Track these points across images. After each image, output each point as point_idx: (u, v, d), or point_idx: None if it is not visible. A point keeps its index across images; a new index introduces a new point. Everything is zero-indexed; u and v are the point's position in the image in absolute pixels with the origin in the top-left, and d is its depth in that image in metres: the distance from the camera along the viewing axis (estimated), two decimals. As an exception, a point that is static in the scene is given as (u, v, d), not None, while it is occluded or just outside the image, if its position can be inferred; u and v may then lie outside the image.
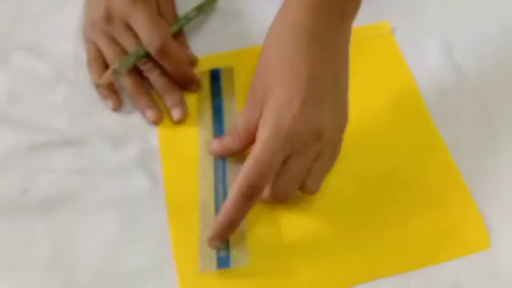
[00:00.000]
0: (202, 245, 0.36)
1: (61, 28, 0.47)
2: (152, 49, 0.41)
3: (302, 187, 0.36)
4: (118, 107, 0.42)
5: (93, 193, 0.39)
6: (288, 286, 0.35)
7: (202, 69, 0.45)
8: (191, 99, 0.43)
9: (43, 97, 0.44)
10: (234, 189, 0.34)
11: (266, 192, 0.35)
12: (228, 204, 0.34)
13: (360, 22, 0.41)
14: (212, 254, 0.35)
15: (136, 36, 0.42)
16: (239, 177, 0.34)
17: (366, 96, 0.43)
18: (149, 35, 0.41)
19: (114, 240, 0.37)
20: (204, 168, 0.39)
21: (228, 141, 0.39)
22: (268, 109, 0.34)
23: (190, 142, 0.41)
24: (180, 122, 0.42)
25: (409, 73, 0.45)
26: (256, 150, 0.34)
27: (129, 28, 0.42)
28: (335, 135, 0.37)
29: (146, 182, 0.39)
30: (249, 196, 0.33)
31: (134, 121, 0.42)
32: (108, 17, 0.42)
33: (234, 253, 0.35)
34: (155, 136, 0.42)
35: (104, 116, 0.43)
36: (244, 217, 0.35)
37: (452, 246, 0.37)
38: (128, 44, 0.42)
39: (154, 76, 0.43)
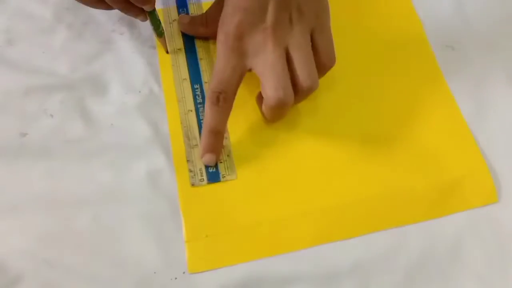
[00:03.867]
0: (192, 164, 0.37)
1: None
2: None
3: (294, 86, 0.36)
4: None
5: (94, 138, 0.38)
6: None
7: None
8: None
9: (41, 39, 0.43)
10: (206, 100, 0.37)
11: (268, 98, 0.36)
12: (205, 114, 0.37)
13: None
14: (202, 171, 0.37)
15: None
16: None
17: (374, 44, 0.43)
18: None
19: (113, 184, 0.37)
20: (182, 93, 0.40)
21: (198, 23, 0.42)
22: (220, 20, 0.37)
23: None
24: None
25: (420, 24, 0.44)
26: (215, 64, 0.37)
27: None
28: (293, 21, 0.36)
29: (147, 127, 0.39)
30: (215, 101, 0.36)
31: (136, 69, 0.42)
32: None
33: (223, 168, 0.37)
34: (157, 83, 0.41)
35: (104, 62, 0.42)
36: (222, 123, 0.37)
37: (460, 199, 0.37)
38: None
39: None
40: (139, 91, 0.40)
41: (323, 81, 0.38)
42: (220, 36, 0.37)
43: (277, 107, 0.36)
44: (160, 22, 0.40)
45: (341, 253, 0.35)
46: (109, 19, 0.44)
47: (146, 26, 0.43)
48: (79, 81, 0.41)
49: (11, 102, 0.40)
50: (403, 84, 0.41)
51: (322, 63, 0.38)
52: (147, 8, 0.39)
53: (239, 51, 0.36)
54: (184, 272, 0.34)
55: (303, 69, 0.36)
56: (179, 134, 0.39)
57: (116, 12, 0.40)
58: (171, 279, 0.34)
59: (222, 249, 0.35)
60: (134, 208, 0.36)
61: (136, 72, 0.41)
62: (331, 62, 0.38)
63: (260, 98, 0.38)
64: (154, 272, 0.34)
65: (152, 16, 0.40)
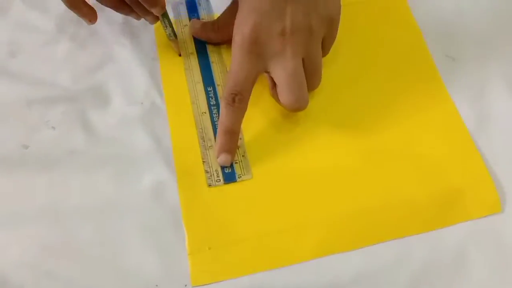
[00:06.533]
0: (207, 165, 0.38)
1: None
2: None
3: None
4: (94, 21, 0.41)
5: (95, 149, 0.38)
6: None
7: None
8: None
9: (43, 51, 0.43)
10: (221, 101, 0.38)
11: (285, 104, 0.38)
12: (220, 114, 0.37)
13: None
14: (218, 171, 0.37)
15: None
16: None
17: (374, 52, 0.43)
18: None
19: (115, 196, 0.36)
20: (196, 95, 0.41)
21: (209, 29, 0.42)
22: (235, 21, 0.37)
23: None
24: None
25: (421, 34, 0.44)
26: (230, 66, 0.37)
27: None
28: (312, 29, 0.36)
29: (149, 139, 0.39)
30: (231, 102, 0.36)
31: (138, 80, 0.42)
32: None
33: (238, 168, 0.37)
34: (160, 94, 0.41)
35: (106, 73, 0.42)
36: (237, 123, 0.37)
37: (463, 209, 0.36)
38: None
39: None
40: (141, 103, 0.40)
41: (327, 91, 0.40)
42: (236, 38, 0.36)
43: (294, 111, 0.38)
44: (171, 24, 0.41)
45: (343, 265, 0.35)
46: (111, 31, 0.44)
47: (147, 37, 0.43)
48: (81, 93, 0.41)
49: (13, 113, 0.40)
50: (405, 95, 0.41)
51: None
52: (156, 12, 0.39)
53: (255, 53, 0.36)
54: (186, 285, 0.34)
55: (312, 80, 0.38)
56: (181, 145, 0.39)
57: (118, 24, 0.41)
58: (174, 292, 0.34)
59: (225, 261, 0.35)
60: (136, 219, 0.36)
61: (138, 84, 0.41)
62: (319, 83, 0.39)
63: (275, 92, 0.38)
64: (156, 285, 0.34)
65: (163, 18, 0.40)
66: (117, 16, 0.43)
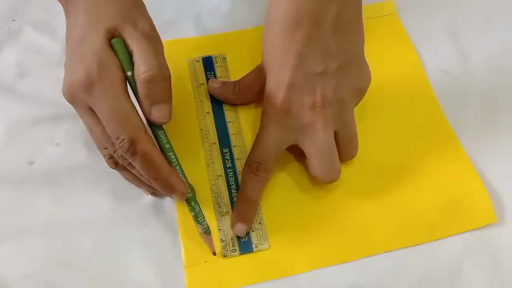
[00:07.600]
0: (223, 233, 0.36)
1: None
2: (119, 149, 0.32)
3: (340, 158, 0.37)
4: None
5: (98, 165, 0.39)
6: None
7: (193, 56, 0.44)
8: (185, 90, 0.43)
9: (50, 72, 0.44)
10: (243, 168, 0.37)
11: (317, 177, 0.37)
12: (241, 182, 0.37)
13: (365, 2, 0.41)
14: (234, 240, 0.36)
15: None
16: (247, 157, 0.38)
17: (372, 75, 0.43)
18: (112, 131, 0.32)
19: (115, 210, 0.37)
20: (211, 157, 0.39)
21: (229, 90, 0.41)
22: (264, 92, 0.37)
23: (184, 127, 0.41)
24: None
25: (415, 53, 0.45)
26: (258, 134, 0.37)
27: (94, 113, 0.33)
28: (344, 101, 0.36)
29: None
30: (255, 170, 0.36)
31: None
32: (72, 97, 0.33)
33: (255, 238, 0.36)
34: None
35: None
36: (259, 193, 0.37)
37: (459, 221, 0.37)
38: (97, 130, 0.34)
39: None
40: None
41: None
42: (266, 108, 0.37)
43: (326, 183, 0.37)
44: (200, 213, 0.35)
45: (339, 276, 0.35)
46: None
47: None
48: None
49: (20, 132, 0.41)
50: (400, 113, 0.41)
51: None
52: (176, 198, 0.35)
53: (285, 125, 0.36)
54: (182, 298, 0.34)
55: (348, 149, 0.38)
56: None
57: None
58: (170, 304, 0.34)
59: (220, 274, 0.35)
60: (135, 233, 0.37)
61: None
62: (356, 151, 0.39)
63: (303, 162, 0.38)
64: (153, 297, 0.34)
65: (189, 204, 0.35)
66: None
